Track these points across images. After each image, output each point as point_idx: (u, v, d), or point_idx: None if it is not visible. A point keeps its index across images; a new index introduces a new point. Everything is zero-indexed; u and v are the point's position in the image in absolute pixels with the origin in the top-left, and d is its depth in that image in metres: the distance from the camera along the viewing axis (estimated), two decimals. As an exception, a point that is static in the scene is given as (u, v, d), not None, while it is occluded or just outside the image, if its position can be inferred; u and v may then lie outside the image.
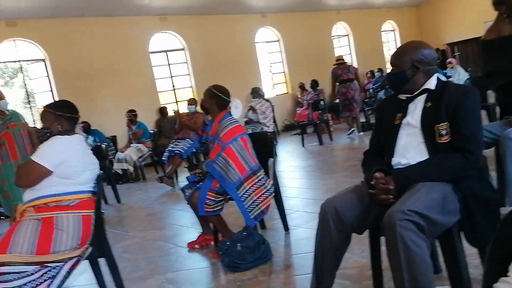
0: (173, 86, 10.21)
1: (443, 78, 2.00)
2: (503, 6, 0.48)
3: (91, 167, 2.53)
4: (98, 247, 2.42)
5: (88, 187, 2.48)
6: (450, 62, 9.84)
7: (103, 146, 6.70)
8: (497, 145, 2.71)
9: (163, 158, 6.55)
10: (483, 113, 3.22)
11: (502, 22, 0.49)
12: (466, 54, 13.88)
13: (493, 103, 4.68)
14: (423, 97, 1.93)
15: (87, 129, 7.67)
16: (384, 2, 14.00)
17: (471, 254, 1.95)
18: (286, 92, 12.27)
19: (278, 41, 12.18)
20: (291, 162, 7.07)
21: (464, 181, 1.75)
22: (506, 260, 0.75)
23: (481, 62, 0.56)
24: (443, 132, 1.80)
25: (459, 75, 9.23)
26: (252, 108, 7.51)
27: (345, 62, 8.57)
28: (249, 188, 3.03)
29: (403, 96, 2.00)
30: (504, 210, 1.93)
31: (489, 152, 2.76)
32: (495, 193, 1.87)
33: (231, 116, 3.24)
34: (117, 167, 7.30)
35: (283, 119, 11.54)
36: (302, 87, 11.35)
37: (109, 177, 6.20)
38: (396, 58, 1.98)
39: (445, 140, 1.80)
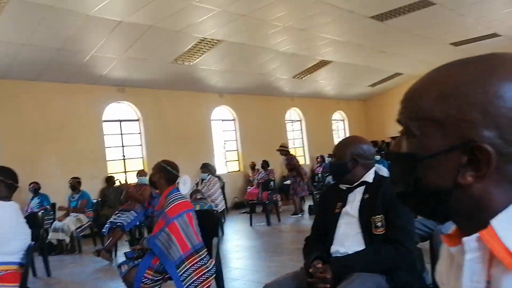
0: (124, 156, 10.06)
1: (385, 170, 2.14)
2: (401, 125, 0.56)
3: (22, 237, 2.40)
4: (17, 326, 2.21)
5: (16, 257, 2.33)
6: (393, 154, 10.47)
7: (40, 213, 6.34)
8: (431, 238, 2.85)
9: (104, 230, 6.26)
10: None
11: (402, 138, 0.56)
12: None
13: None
14: (361, 188, 2.04)
15: (36, 190, 7.33)
16: (335, 94, 14.98)
17: None
18: (238, 170, 12.39)
19: (233, 120, 12.53)
20: (238, 242, 6.97)
21: (396, 272, 1.81)
22: None
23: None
24: (379, 224, 1.89)
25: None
26: (197, 185, 7.51)
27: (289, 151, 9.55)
28: (190, 267, 2.94)
29: (343, 186, 2.10)
30: (435, 304, 2.00)
31: (425, 245, 2.88)
32: (426, 286, 1.93)
33: (179, 191, 3.22)
34: (52, 236, 6.84)
35: (233, 196, 11.53)
36: (252, 166, 11.54)
37: (41, 247, 5.77)
38: (338, 150, 2.11)
39: (380, 231, 1.88)
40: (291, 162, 8.99)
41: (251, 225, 8.20)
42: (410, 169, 0.64)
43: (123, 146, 10.05)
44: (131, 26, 7.01)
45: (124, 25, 6.91)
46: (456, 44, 10.37)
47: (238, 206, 11.34)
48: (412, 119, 0.64)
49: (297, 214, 8.79)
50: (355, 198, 2.03)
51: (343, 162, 2.05)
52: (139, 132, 10.27)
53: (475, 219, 0.59)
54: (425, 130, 0.62)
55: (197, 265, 2.99)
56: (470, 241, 0.58)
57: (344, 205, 2.03)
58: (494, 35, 9.98)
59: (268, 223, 8.10)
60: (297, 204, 8.88)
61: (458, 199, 0.60)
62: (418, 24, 8.56)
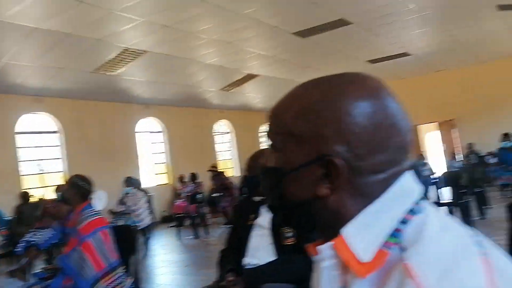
0: (41, 170, 9.45)
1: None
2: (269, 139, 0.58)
3: None
4: None
5: None
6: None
7: None
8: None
9: (19, 249, 5.80)
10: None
11: (270, 153, 0.58)
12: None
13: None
14: (274, 199, 2.09)
15: None
16: (263, 107, 15.22)
17: None
18: (167, 182, 12.14)
19: (161, 132, 12.29)
20: (164, 256, 6.81)
21: (308, 282, 1.86)
22: None
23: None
24: (289, 234, 1.94)
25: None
26: (121, 199, 7.24)
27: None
28: (105, 287, 2.82)
29: (257, 198, 2.14)
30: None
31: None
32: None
33: (93, 207, 3.09)
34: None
35: (162, 210, 11.25)
36: (181, 179, 11.36)
37: None
38: (250, 162, 2.16)
39: (291, 242, 1.93)
40: (224, 181, 9.05)
41: (179, 239, 8.06)
42: (276, 182, 0.67)
43: (39, 160, 9.44)
44: (47, 33, 6.65)
45: (40, 31, 6.55)
46: (372, 61, 11.04)
47: (166, 220, 11.09)
48: (277, 134, 0.67)
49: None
50: (267, 210, 2.07)
51: (256, 174, 2.09)
52: (58, 144, 9.72)
53: (333, 229, 0.63)
54: (287, 145, 0.65)
55: (113, 284, 2.87)
56: (324, 249, 0.62)
57: (256, 216, 2.06)
58: (405, 54, 10.76)
59: (196, 236, 8.02)
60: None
61: (318, 210, 0.64)
62: (337, 41, 9.01)
